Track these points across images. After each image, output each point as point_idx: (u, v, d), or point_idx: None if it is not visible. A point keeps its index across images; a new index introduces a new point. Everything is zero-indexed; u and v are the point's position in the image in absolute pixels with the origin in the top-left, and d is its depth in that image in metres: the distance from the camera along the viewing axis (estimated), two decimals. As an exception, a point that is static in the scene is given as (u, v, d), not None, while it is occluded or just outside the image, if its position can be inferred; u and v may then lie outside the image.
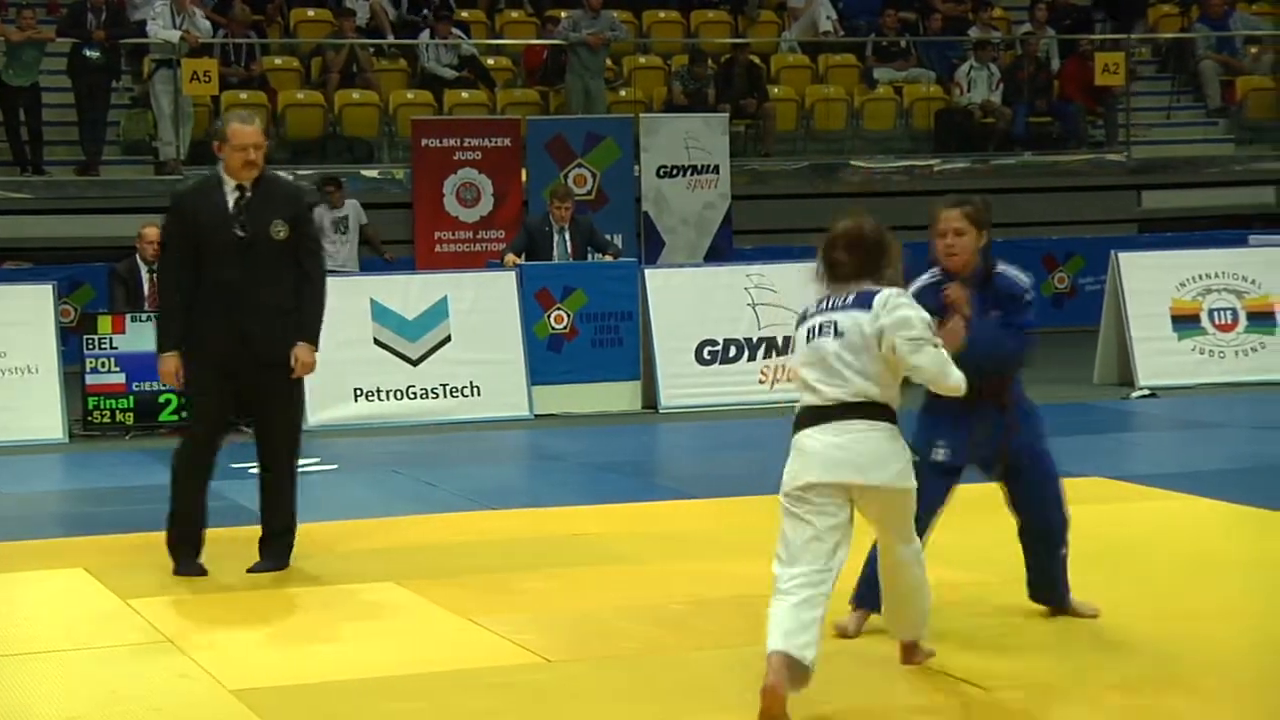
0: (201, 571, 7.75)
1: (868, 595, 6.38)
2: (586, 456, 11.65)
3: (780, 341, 13.64)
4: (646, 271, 13.99)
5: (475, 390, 13.12)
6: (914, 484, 5.77)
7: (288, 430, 7.86)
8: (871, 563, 6.28)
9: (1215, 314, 14.28)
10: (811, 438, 5.70)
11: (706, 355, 13.61)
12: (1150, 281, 14.24)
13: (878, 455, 5.68)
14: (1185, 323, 14.25)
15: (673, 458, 12.36)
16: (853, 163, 19.37)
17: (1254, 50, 21.76)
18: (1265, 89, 20.94)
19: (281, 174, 8.21)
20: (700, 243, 17.49)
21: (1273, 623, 6.65)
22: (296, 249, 7.72)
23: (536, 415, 13.14)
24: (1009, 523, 6.66)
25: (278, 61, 19.32)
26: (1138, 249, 15.61)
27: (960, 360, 5.81)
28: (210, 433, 7.80)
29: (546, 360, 13.38)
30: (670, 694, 5.87)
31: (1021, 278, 6.54)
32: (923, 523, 6.07)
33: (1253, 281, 14.38)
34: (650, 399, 13.49)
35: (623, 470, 11.13)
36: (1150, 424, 12.53)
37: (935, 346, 5.70)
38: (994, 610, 6.81)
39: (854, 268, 5.86)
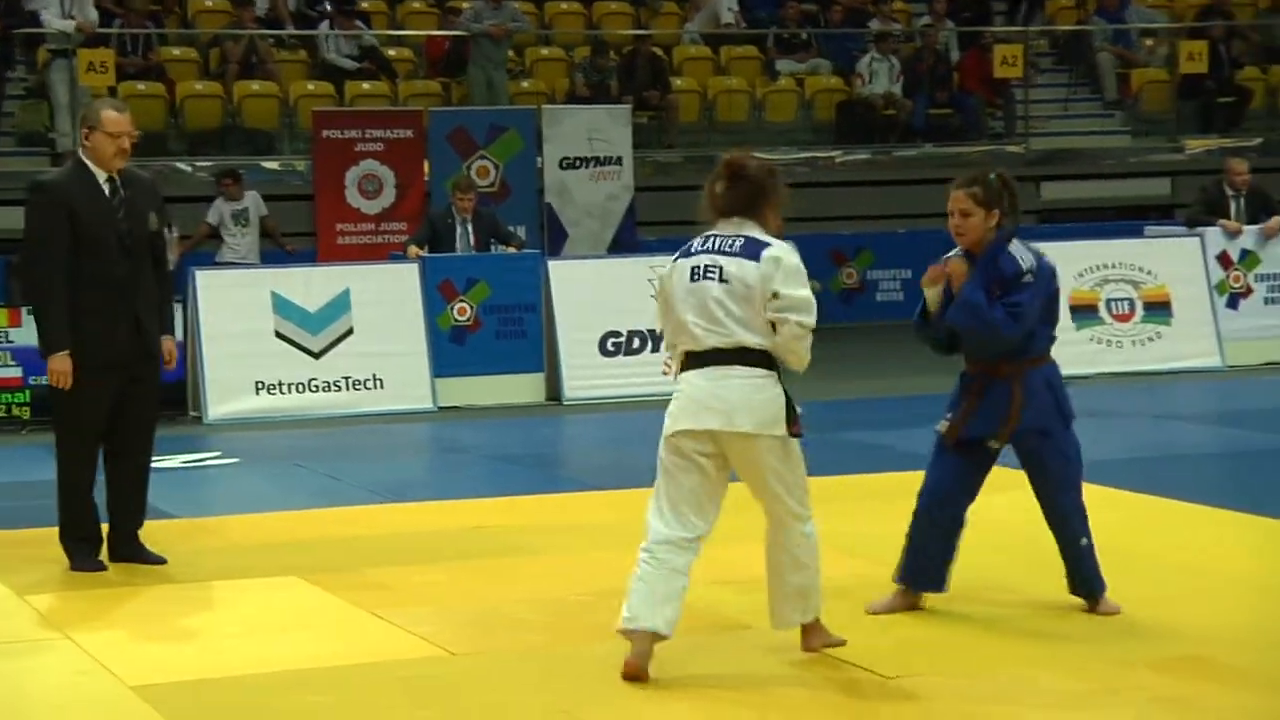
0: (100, 567, 7.66)
1: (911, 573, 6.54)
2: (490, 449, 11.63)
3: (684, 333, 13.65)
4: (550, 263, 13.98)
5: (378, 383, 13.05)
6: (783, 433, 5.74)
7: (155, 421, 7.83)
8: (914, 536, 6.51)
9: (1113, 304, 14.46)
10: (689, 381, 5.83)
11: (610, 347, 13.61)
12: (1049, 272, 14.36)
13: (746, 402, 5.73)
14: (1083, 313, 14.42)
15: (576, 449, 12.36)
16: (755, 154, 19.40)
17: (1149, 43, 22.03)
18: (1160, 81, 21.21)
19: (134, 167, 7.94)
20: (604, 234, 17.48)
21: (1164, 610, 6.74)
22: (156, 240, 7.67)
23: (440, 407, 13.09)
24: (903, 511, 6.69)
25: (176, 52, 19.11)
26: (1037, 240, 15.71)
27: (961, 334, 6.29)
28: (100, 431, 7.65)
29: (450, 352, 13.34)
30: (573, 686, 5.87)
31: (1024, 257, 6.53)
32: (936, 495, 6.45)
33: (1149, 272, 14.57)
34: (554, 391, 13.48)
35: (526, 462, 11.12)
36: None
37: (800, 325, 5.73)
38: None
39: (730, 201, 5.88)
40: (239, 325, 12.76)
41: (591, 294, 13.72)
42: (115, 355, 7.52)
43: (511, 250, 14.27)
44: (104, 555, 7.74)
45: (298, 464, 10.92)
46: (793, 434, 5.80)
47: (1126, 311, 14.47)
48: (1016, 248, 6.55)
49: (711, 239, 5.88)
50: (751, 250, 5.79)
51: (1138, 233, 15.90)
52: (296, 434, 12.11)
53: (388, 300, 13.22)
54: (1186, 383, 13.94)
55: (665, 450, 5.90)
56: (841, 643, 6.13)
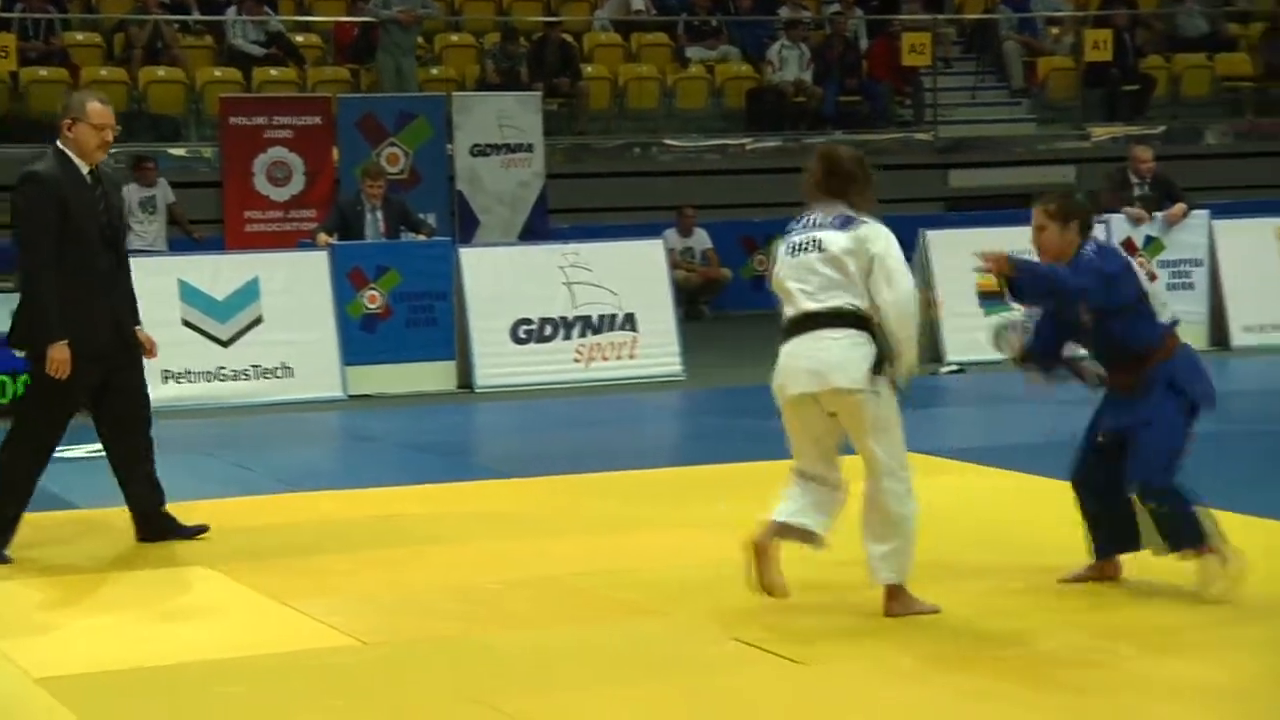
0: (4, 560, 7.57)
1: (1102, 545, 6.75)
2: (401, 437, 11.58)
3: (596, 320, 13.67)
4: (461, 250, 13.93)
5: (287, 371, 12.97)
6: (869, 389, 6.15)
7: (148, 403, 7.94)
8: (1093, 508, 6.73)
9: (1020, 290, 14.56)
10: (787, 349, 6.29)
11: (522, 334, 13.59)
12: (957, 259, 14.50)
13: (837, 360, 6.19)
14: (991, 299, 14.49)
15: (488, 437, 12.33)
16: (666, 141, 19.47)
17: (1055, 31, 22.25)
18: (1065, 70, 21.42)
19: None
20: (515, 221, 17.45)
21: (1069, 599, 6.82)
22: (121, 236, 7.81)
23: (350, 396, 13.02)
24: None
25: (79, 37, 18.88)
26: (945, 227, 15.89)
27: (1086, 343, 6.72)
28: (66, 424, 7.68)
29: (360, 340, 13.26)
30: (487, 675, 5.86)
31: (1087, 250, 6.64)
32: (1089, 498, 6.74)
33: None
34: (465, 379, 13.45)
35: (438, 450, 11.09)
36: (958, 399, 12.79)
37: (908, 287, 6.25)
38: (813, 586, 6.89)
39: (822, 186, 6.41)
40: (145, 314, 12.43)
41: (503, 281, 13.69)
42: (98, 347, 7.54)
43: (422, 238, 14.22)
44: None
45: (206, 453, 10.83)
46: (883, 386, 6.22)
47: (1034, 298, 14.58)
48: (1090, 247, 6.70)
49: (809, 218, 6.43)
50: (844, 223, 6.30)
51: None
52: (205, 423, 12.01)
53: (297, 288, 13.13)
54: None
55: (783, 408, 6.39)
56: (933, 610, 6.33)
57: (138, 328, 7.82)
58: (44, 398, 7.61)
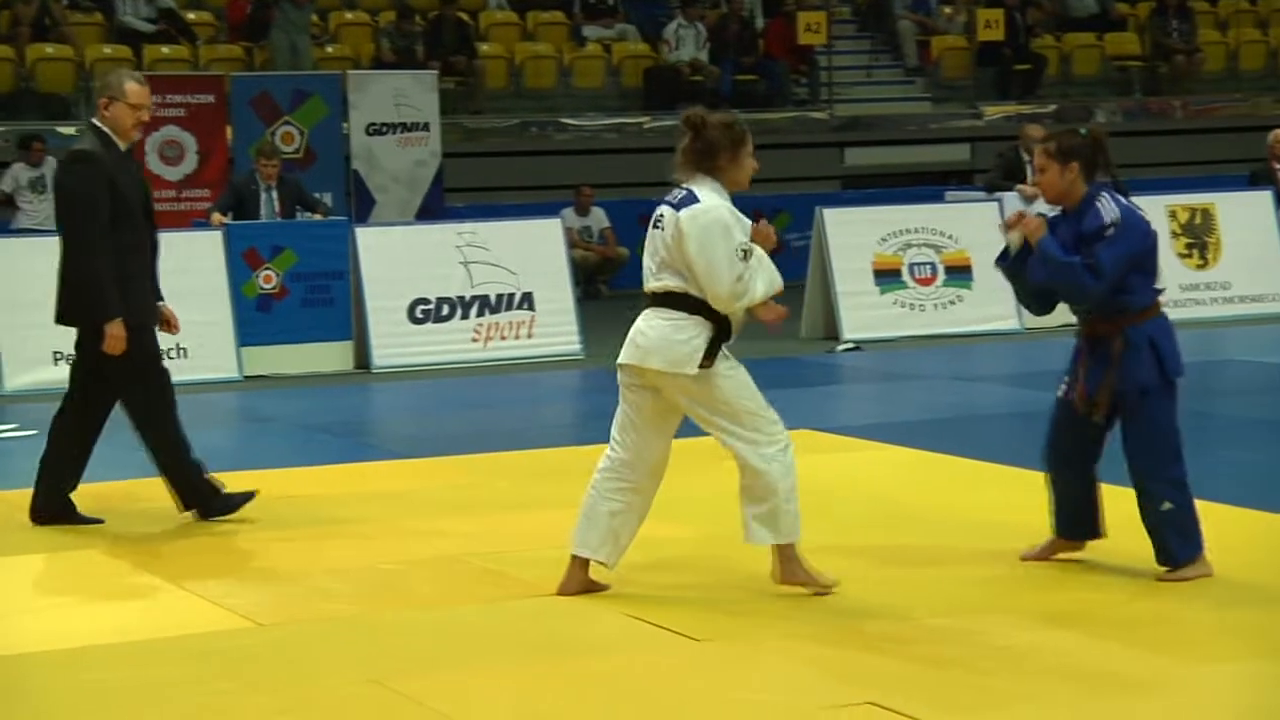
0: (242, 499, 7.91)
1: (1062, 525, 6.70)
2: (298, 418, 11.51)
3: (493, 299, 13.64)
4: (357, 230, 13.86)
5: (181, 352, 12.82)
6: (695, 371, 6.11)
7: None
8: (1053, 492, 6.65)
9: (915, 268, 14.71)
10: (634, 325, 6.27)
11: (419, 314, 13.54)
12: (853, 237, 14.60)
13: (660, 342, 6.15)
14: (887, 277, 14.65)
15: (385, 418, 12.28)
16: (563, 120, 19.45)
17: (948, 11, 22.42)
18: (959, 48, 21.60)
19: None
20: (411, 201, 17.37)
21: (966, 569, 6.90)
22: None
23: (246, 377, 12.93)
24: (730, 475, 6.76)
25: (-35, 14, 18.59)
26: (841, 205, 15.99)
27: (1057, 291, 6.56)
28: (170, 388, 7.90)
29: (256, 321, 13.16)
30: (382, 656, 5.85)
31: (1109, 211, 6.43)
32: (1058, 458, 6.65)
33: (950, 236, 14.85)
34: (362, 359, 13.38)
35: (334, 431, 11.03)
36: (854, 376, 12.88)
37: (745, 257, 6.11)
38: (708, 564, 6.93)
39: (687, 156, 6.23)
40: (36, 294, 12.35)
41: (400, 261, 13.63)
42: (144, 323, 7.72)
43: (317, 217, 14.12)
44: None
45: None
46: (697, 371, 6.15)
47: (929, 275, 14.73)
48: (1105, 202, 6.47)
49: (673, 189, 6.30)
50: (686, 200, 6.18)
51: (939, 198, 16.20)
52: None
53: (191, 268, 12.97)
54: (986, 345, 14.24)
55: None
56: (828, 588, 6.28)
57: (163, 304, 7.95)
58: (138, 374, 7.76)
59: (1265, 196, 15.74)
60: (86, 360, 7.81)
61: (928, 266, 14.74)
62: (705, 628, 6.03)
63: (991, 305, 14.76)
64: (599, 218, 18.03)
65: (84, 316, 7.70)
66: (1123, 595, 6.41)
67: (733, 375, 6.25)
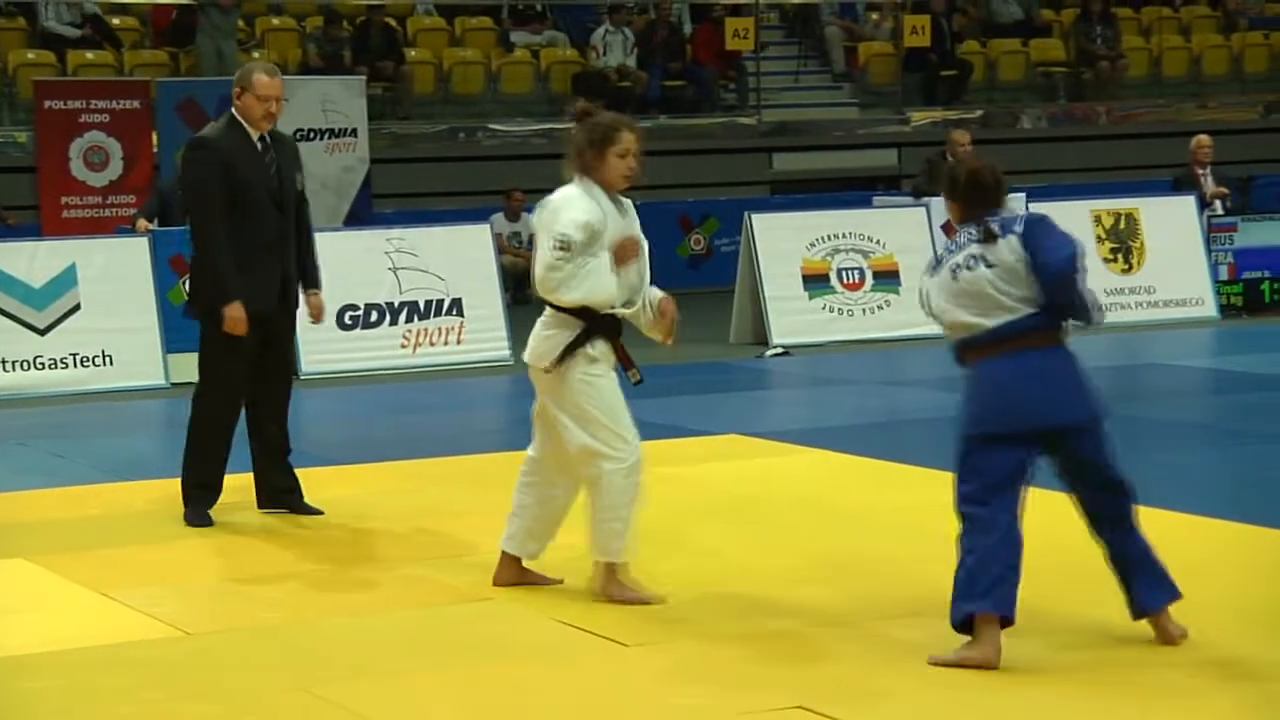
0: (209, 522, 7.87)
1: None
2: (225, 425, 11.41)
3: (422, 306, 13.61)
4: (284, 236, 13.76)
5: (107, 359, 12.74)
6: (547, 366, 6.22)
7: (292, 376, 8.30)
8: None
9: (844, 273, 14.78)
10: None
11: (348, 320, 13.48)
12: (782, 242, 14.65)
13: (533, 338, 6.38)
14: (815, 282, 14.71)
15: (315, 424, 12.19)
16: (491, 126, 19.42)
17: (875, 17, 22.55)
18: (886, 54, 21.72)
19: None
20: (340, 207, 17.30)
21: (895, 572, 6.94)
22: (301, 201, 8.02)
23: (173, 384, 12.82)
24: (661, 483, 6.76)
25: (-115, 17, 18.38)
26: (770, 210, 16.05)
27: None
28: (241, 381, 7.92)
29: (183, 327, 12.95)
30: (311, 663, 5.83)
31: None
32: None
33: (877, 241, 14.92)
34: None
35: (262, 438, 10.95)
36: (783, 381, 12.92)
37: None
38: (637, 569, 6.94)
39: (567, 153, 6.39)
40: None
41: (328, 267, 13.33)
42: (263, 310, 7.76)
43: (244, 223, 14.01)
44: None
45: (21, 443, 10.61)
46: (545, 370, 6.24)
47: (856, 280, 14.80)
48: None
49: None
50: (549, 197, 6.31)
51: (866, 203, 16.28)
52: (21, 413, 11.76)
53: (116, 275, 12.90)
54: (914, 349, 14.31)
55: None
56: (648, 601, 6.23)
57: (314, 292, 8.12)
58: (212, 356, 7.88)
59: (1189, 201, 15.91)
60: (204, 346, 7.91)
61: (856, 271, 14.80)
62: (634, 633, 6.04)
63: (919, 310, 14.78)
64: (529, 223, 18.00)
65: (204, 300, 7.85)
66: (1054, 602, 6.46)
67: (591, 381, 6.22)
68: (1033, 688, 5.44)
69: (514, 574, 6.55)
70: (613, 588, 6.30)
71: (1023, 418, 5.65)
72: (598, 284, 6.15)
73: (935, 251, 5.97)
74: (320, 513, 8.02)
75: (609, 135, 6.21)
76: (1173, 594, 5.82)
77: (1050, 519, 6.28)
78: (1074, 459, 5.77)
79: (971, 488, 5.71)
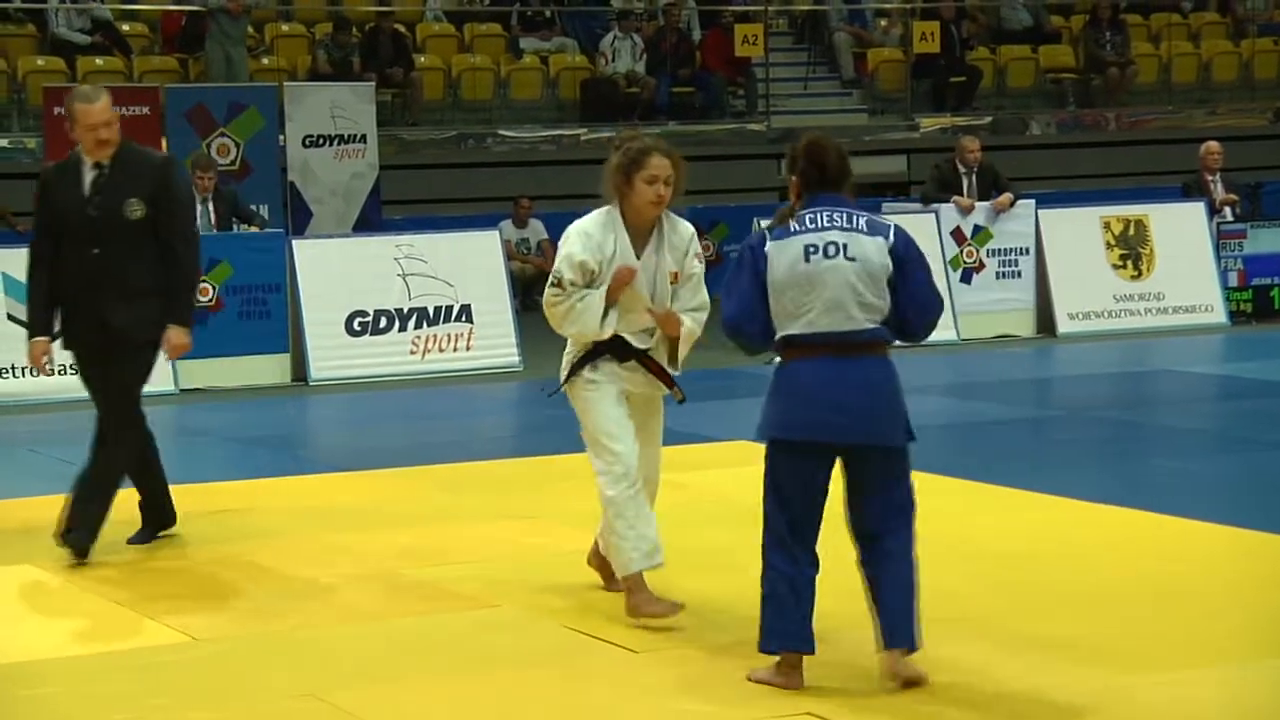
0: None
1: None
2: (234, 431, 11.45)
3: (431, 312, 13.61)
4: (294, 242, 13.80)
5: (116, 366, 12.73)
6: (563, 384, 6.27)
7: (117, 413, 7.73)
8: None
9: (852, 279, 14.74)
10: None
11: (357, 326, 13.49)
12: (790, 248, 14.62)
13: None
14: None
15: (322, 431, 12.24)
16: (500, 132, 19.43)
17: (884, 23, 22.54)
18: (895, 61, 21.71)
19: (146, 148, 7.96)
20: (348, 213, 17.31)
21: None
22: (157, 226, 7.41)
23: (182, 390, 12.84)
24: (671, 490, 6.75)
25: (-105, 25, 18.41)
26: (777, 216, 15.97)
27: None
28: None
29: (193, 334, 13.04)
30: (318, 669, 5.83)
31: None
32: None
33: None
34: (300, 371, 13.32)
35: (271, 444, 10.98)
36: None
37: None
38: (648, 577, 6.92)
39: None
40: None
41: (337, 273, 13.58)
42: (83, 341, 7.55)
43: (254, 230, 14.05)
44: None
45: (31, 449, 10.63)
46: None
47: (865, 286, 14.76)
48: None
49: None
50: (571, 224, 6.36)
51: (875, 209, 16.20)
52: (31, 419, 11.78)
53: (125, 281, 12.90)
54: (922, 355, 14.29)
55: None
56: (671, 611, 6.10)
57: (171, 325, 7.55)
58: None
59: (1198, 208, 15.89)
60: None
61: (865, 278, 14.76)
62: (643, 640, 6.03)
63: (928, 316, 14.83)
64: (537, 230, 18.01)
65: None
66: (1070, 609, 6.45)
67: (586, 397, 6.24)
68: (1045, 703, 5.42)
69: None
70: (630, 602, 6.19)
71: (824, 428, 5.32)
72: (586, 321, 6.14)
73: (794, 228, 5.34)
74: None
75: (638, 159, 6.13)
76: (910, 643, 5.38)
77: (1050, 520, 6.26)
78: (863, 478, 5.44)
79: (776, 516, 5.45)
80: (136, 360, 7.61)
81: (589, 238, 6.19)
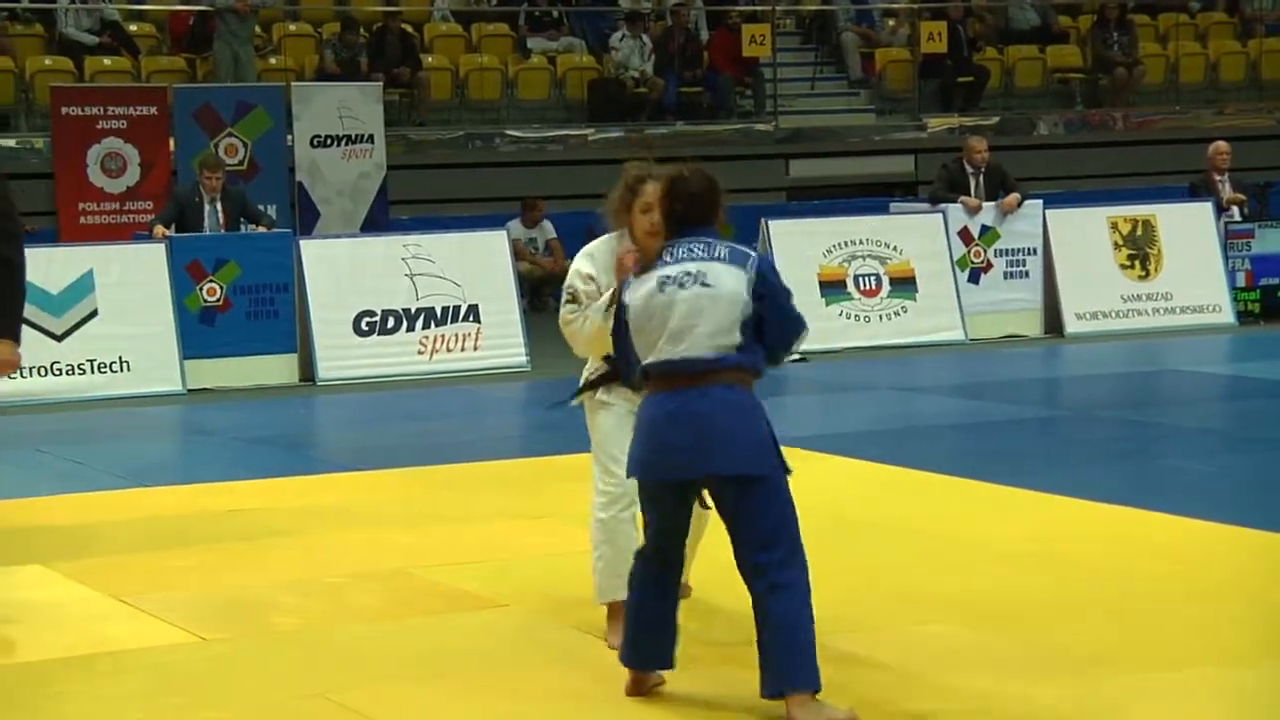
0: None
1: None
2: (242, 431, 11.46)
3: (439, 312, 13.62)
4: (302, 242, 13.80)
5: (124, 365, 12.76)
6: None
7: None
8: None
9: (860, 280, 14.77)
10: None
11: (364, 326, 13.50)
12: (798, 248, 14.64)
13: None
14: (832, 288, 14.71)
15: (330, 430, 12.24)
16: (508, 132, 19.43)
17: (891, 23, 22.53)
18: (902, 61, 21.69)
19: None
20: (356, 213, 17.32)
21: (913, 579, 6.93)
22: None
23: (190, 390, 12.85)
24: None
25: (-95, 25, 18.42)
26: (786, 217, 16.03)
27: None
28: None
29: (199, 334, 13.09)
30: (327, 669, 5.83)
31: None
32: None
33: (895, 248, 14.91)
34: (307, 371, 13.33)
35: (279, 444, 10.99)
36: (800, 388, 12.90)
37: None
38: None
39: None
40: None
41: (344, 273, 13.59)
42: None
43: (261, 229, 14.06)
44: None
45: (39, 449, 10.63)
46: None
47: (873, 287, 14.79)
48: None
49: None
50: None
51: (883, 210, 16.26)
52: (39, 418, 11.79)
53: (133, 281, 12.93)
54: (930, 356, 14.31)
55: None
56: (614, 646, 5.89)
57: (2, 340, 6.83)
58: None
59: (1206, 208, 15.88)
60: None
61: (872, 278, 14.79)
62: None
63: (936, 316, 14.85)
64: (546, 230, 18.01)
65: None
66: (1079, 610, 6.45)
67: (596, 416, 6.07)
68: (1058, 704, 5.42)
69: None
70: (608, 625, 6.03)
71: (669, 468, 5.22)
72: (591, 344, 6.00)
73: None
74: None
75: (633, 187, 5.95)
76: (796, 684, 5.09)
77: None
78: (724, 510, 5.27)
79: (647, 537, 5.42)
80: None
81: (593, 257, 6.08)
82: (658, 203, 5.59)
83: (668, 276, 5.28)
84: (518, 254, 15.88)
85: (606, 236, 6.13)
